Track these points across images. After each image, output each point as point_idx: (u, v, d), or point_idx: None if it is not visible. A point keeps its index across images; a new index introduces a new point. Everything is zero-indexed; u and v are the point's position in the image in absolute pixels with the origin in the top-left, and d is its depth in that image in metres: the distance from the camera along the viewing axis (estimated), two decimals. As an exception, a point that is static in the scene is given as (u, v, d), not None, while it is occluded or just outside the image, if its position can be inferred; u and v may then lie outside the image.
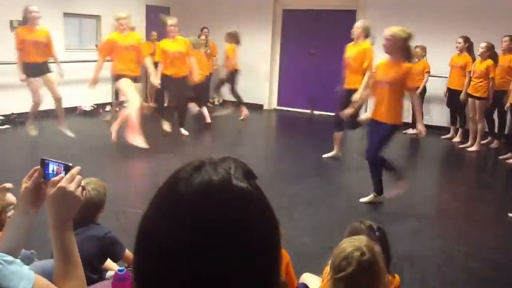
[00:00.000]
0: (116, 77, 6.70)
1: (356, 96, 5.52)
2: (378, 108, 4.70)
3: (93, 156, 6.30)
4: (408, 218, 4.63)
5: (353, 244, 1.89)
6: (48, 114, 8.46)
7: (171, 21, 7.36)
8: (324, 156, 6.55)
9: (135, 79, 6.68)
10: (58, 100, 7.05)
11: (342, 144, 6.64)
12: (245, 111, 8.98)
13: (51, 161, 1.22)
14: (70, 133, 7.06)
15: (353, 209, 4.83)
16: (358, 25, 6.30)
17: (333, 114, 9.53)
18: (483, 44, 7.13)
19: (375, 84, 4.75)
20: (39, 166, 1.23)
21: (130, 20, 6.80)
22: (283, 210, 4.46)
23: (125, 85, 6.57)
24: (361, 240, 1.93)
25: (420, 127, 4.86)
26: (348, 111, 5.17)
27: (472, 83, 7.36)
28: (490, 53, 7.12)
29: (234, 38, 9.05)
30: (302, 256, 3.57)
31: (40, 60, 6.80)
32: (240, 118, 8.89)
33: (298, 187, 5.39)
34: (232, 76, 9.22)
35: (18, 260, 1.12)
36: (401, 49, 4.47)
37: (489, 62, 7.10)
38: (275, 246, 0.76)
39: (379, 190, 4.88)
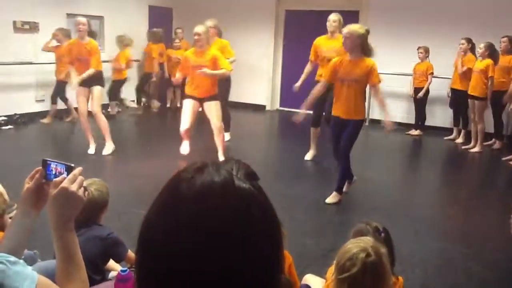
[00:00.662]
0: (183, 96, 6.36)
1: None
2: (343, 105, 4.69)
3: (95, 156, 6.31)
4: (409, 219, 4.62)
5: (358, 245, 1.88)
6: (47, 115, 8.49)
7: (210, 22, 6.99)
8: (306, 158, 6.49)
9: (205, 99, 6.04)
10: (94, 116, 6.43)
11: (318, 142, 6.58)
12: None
13: (53, 161, 1.22)
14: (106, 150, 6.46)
15: (355, 210, 4.83)
16: (335, 18, 6.12)
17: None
18: (482, 44, 7.13)
19: (337, 81, 4.72)
20: (40, 167, 1.24)
21: (208, 35, 6.03)
22: (285, 211, 4.46)
23: (184, 107, 6.17)
24: (367, 241, 1.92)
25: (387, 120, 4.83)
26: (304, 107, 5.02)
27: (471, 83, 7.36)
28: (490, 52, 7.12)
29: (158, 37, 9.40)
30: (304, 257, 3.57)
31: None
32: None
33: (301, 187, 5.38)
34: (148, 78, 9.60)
35: (21, 261, 1.12)
36: (360, 45, 4.53)
37: (488, 61, 7.09)
38: (277, 247, 0.76)
39: (341, 191, 4.91)
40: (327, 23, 6.22)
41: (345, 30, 4.64)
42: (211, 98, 6.02)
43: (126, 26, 9.93)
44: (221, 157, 5.96)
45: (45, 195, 1.23)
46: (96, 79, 6.31)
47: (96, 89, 6.33)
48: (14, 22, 8.06)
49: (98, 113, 6.36)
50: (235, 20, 10.40)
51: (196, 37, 5.89)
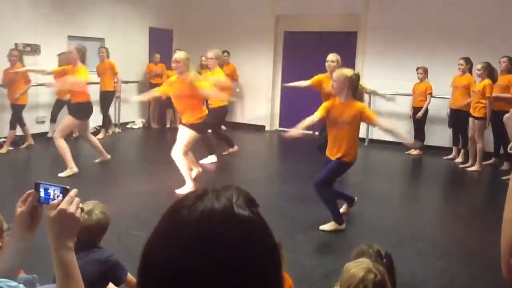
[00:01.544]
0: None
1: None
2: (334, 147, 4.68)
3: (96, 177, 6.31)
4: (411, 239, 4.61)
5: (362, 267, 1.92)
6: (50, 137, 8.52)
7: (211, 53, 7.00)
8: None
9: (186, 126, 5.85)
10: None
11: None
12: None
13: (46, 184, 1.24)
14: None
15: (355, 231, 4.81)
16: (333, 59, 6.15)
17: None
18: (479, 66, 7.21)
19: (329, 124, 4.74)
20: (32, 190, 1.26)
21: (187, 62, 5.68)
22: (286, 233, 4.45)
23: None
24: (367, 263, 1.97)
25: (407, 142, 5.08)
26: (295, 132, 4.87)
27: (471, 103, 7.43)
28: (488, 71, 7.19)
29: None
30: (305, 279, 3.55)
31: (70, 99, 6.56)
32: None
33: (301, 209, 5.37)
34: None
35: (21, 285, 1.13)
36: (348, 88, 4.55)
37: (486, 82, 7.17)
38: (276, 271, 0.77)
39: (339, 220, 4.73)
40: (326, 64, 6.21)
41: (334, 74, 4.73)
42: (190, 126, 5.78)
43: (127, 48, 10.04)
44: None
45: (39, 217, 1.26)
46: (76, 110, 6.43)
47: (67, 118, 6.52)
48: (16, 45, 8.14)
49: (57, 138, 6.37)
50: (234, 41, 10.50)
51: (173, 65, 5.65)
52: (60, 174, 6.22)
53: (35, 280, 2.59)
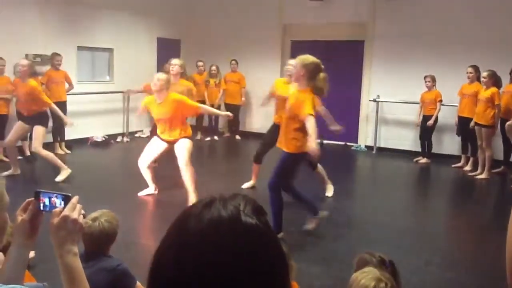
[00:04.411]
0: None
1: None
2: (280, 136, 4.63)
3: (104, 187, 6.34)
4: (419, 248, 4.58)
5: (371, 277, 1.91)
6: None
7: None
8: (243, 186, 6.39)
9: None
10: None
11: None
12: None
13: (46, 192, 1.26)
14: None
15: (363, 240, 4.79)
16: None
17: (341, 143, 9.58)
18: (485, 73, 7.19)
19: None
20: (32, 198, 1.28)
21: (164, 82, 5.53)
22: (292, 240, 4.44)
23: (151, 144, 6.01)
24: (374, 272, 1.95)
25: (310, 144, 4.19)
26: None
27: (477, 110, 7.38)
28: (494, 80, 7.18)
29: None
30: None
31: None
32: None
33: (307, 216, 5.35)
34: None
35: (33, 292, 1.15)
36: (305, 77, 4.30)
37: (494, 89, 7.15)
38: (283, 281, 0.78)
39: (278, 228, 4.48)
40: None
41: (295, 60, 4.52)
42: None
43: (135, 58, 10.12)
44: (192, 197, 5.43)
45: (38, 225, 1.28)
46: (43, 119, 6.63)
47: (39, 128, 6.59)
48: (26, 55, 8.23)
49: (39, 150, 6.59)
50: (241, 51, 10.56)
51: (153, 82, 5.52)
52: (57, 179, 6.39)
53: (45, 288, 2.60)
